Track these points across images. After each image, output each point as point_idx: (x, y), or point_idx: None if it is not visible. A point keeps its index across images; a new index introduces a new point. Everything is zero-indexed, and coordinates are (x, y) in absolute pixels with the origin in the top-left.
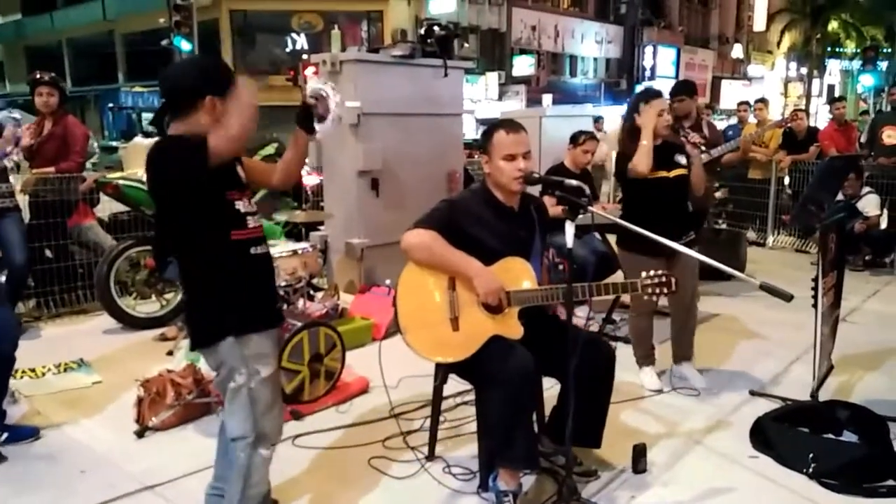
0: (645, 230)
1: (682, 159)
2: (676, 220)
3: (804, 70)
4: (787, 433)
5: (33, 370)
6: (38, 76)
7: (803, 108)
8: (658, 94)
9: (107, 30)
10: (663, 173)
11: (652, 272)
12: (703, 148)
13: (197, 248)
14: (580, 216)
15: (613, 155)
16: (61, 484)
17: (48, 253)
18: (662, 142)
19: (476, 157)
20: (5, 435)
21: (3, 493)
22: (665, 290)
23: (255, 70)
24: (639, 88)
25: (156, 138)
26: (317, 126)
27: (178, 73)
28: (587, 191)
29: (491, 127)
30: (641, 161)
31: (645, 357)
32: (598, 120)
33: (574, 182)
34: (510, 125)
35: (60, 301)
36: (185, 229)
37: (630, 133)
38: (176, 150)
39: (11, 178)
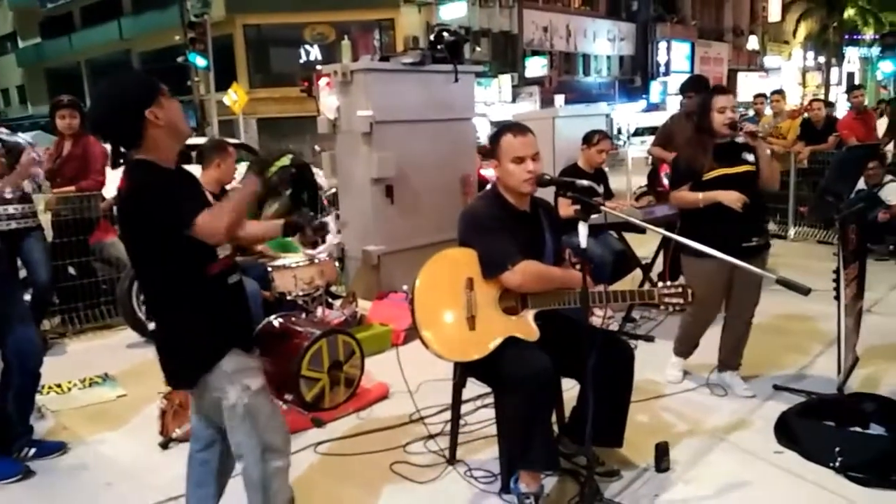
0: (707, 232)
1: (750, 157)
2: (741, 220)
3: (822, 59)
4: (813, 427)
5: (59, 385)
6: (59, 99)
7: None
8: (724, 90)
9: (123, 49)
10: (725, 170)
11: (669, 283)
12: (760, 133)
13: (176, 287)
14: (594, 216)
15: None
16: (88, 497)
17: (71, 270)
18: (730, 141)
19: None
20: (33, 450)
21: None
22: (682, 301)
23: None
24: (654, 84)
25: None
26: None
27: (103, 111)
28: (599, 190)
29: (498, 131)
30: (682, 202)
31: (683, 351)
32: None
33: (585, 182)
34: (517, 128)
35: (85, 317)
36: (163, 268)
37: (698, 133)
38: (166, 185)
39: (33, 198)
